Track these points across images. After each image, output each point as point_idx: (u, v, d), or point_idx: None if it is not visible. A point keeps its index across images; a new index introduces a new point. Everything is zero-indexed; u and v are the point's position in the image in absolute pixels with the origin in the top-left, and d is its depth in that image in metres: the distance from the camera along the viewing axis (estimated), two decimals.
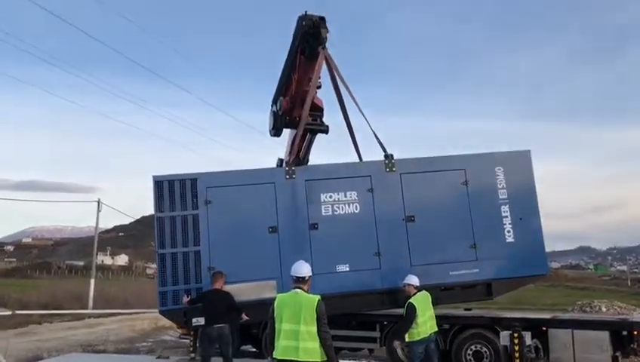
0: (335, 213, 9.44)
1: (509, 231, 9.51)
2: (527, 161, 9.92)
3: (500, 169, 9.72)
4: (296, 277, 5.43)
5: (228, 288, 8.65)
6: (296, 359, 5.13)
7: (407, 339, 8.70)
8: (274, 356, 5.27)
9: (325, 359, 5.24)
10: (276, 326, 5.30)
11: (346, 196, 9.50)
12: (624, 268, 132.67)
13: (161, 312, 9.44)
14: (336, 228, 9.40)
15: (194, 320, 8.54)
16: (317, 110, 10.94)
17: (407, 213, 9.45)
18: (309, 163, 11.67)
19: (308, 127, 10.98)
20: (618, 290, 47.58)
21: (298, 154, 11.57)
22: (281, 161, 11.65)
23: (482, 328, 10.65)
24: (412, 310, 8.40)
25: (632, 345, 9.98)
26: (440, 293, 9.46)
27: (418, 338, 8.50)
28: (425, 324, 8.55)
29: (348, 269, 9.25)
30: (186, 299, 8.84)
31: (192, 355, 10.97)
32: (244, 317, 8.71)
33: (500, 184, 9.67)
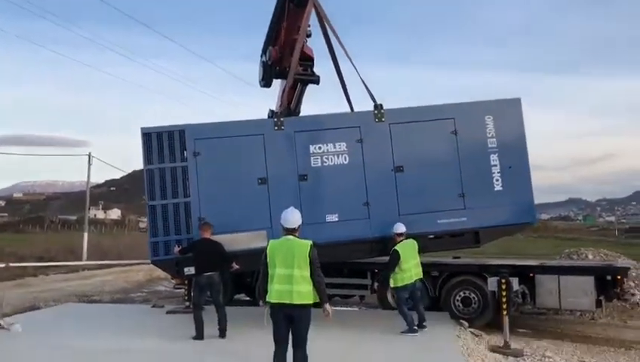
0: (324, 163, 9.45)
1: (497, 180, 9.53)
2: (518, 110, 9.86)
3: (489, 117, 9.67)
4: (286, 227, 5.48)
5: (219, 238, 8.72)
6: (290, 302, 5.24)
7: (391, 285, 9.00)
8: (268, 299, 5.38)
9: (317, 301, 5.37)
10: (269, 271, 5.40)
11: (335, 147, 9.49)
12: (612, 218, 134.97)
13: (153, 262, 9.56)
14: (325, 179, 9.44)
15: (186, 269, 8.66)
16: (307, 60, 10.79)
17: (395, 163, 9.47)
18: (301, 114, 11.62)
19: (298, 78, 10.86)
20: (606, 240, 48.51)
21: (289, 106, 11.48)
22: (272, 112, 11.56)
23: (471, 275, 10.92)
24: (395, 256, 8.76)
25: (615, 290, 10.30)
26: (428, 241, 9.62)
27: (402, 284, 8.83)
28: (409, 271, 8.81)
29: (337, 219, 9.32)
30: (177, 249, 8.95)
31: (187, 304, 11.18)
32: (235, 266, 8.83)
33: (490, 133, 9.63)
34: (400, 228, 8.96)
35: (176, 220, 9.28)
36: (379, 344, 8.08)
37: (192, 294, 11.63)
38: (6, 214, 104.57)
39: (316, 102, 11.91)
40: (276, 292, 5.28)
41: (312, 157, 9.44)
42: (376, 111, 9.66)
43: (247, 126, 9.73)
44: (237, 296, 13.18)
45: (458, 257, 11.99)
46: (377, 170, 9.49)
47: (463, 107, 9.92)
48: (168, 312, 11.14)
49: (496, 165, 9.55)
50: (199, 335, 8.30)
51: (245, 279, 12.63)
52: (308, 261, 5.28)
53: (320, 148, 9.47)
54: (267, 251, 5.45)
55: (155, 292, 16.38)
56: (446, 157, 9.58)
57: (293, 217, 5.52)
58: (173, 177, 9.35)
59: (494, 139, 9.62)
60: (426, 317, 8.99)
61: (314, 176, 9.41)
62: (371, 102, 9.80)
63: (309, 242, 5.38)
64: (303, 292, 5.25)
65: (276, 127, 9.53)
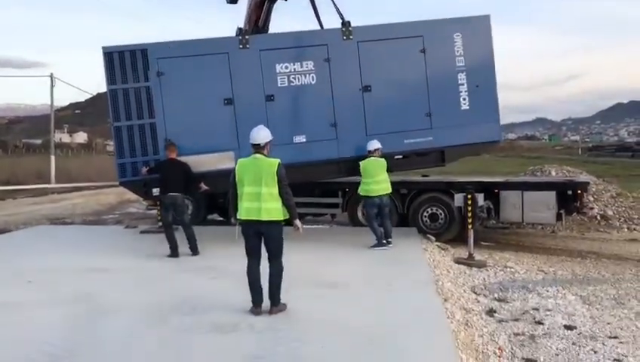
0: (291, 84, 9.31)
1: (464, 99, 9.55)
2: (486, 27, 9.72)
3: (458, 35, 9.53)
4: (254, 143, 5.49)
5: (186, 160, 8.73)
6: (258, 219, 5.36)
7: (361, 194, 9.25)
8: (238, 217, 5.50)
9: (287, 218, 5.50)
10: (238, 189, 5.48)
11: (302, 66, 9.32)
12: (577, 138, 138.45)
13: (121, 183, 9.59)
14: (292, 100, 9.35)
15: (154, 190, 8.75)
16: None
17: (363, 83, 9.38)
18: (269, 32, 11.31)
19: None
20: (570, 159, 49.88)
21: (257, 23, 11.15)
22: (240, 30, 11.23)
23: (438, 192, 11.23)
24: (361, 169, 9.08)
25: (575, 204, 10.76)
26: (396, 161, 9.76)
27: (369, 195, 9.13)
28: (376, 184, 9.05)
29: (305, 140, 9.34)
30: (144, 170, 8.98)
31: (160, 224, 11.28)
32: (203, 186, 8.91)
33: (458, 51, 9.53)
34: (373, 145, 9.05)
35: (142, 141, 9.24)
36: (350, 257, 8.39)
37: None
38: None
39: (286, 19, 11.56)
40: (245, 209, 5.39)
41: (278, 77, 9.29)
42: (344, 29, 9.44)
43: (212, 44, 9.47)
44: (210, 217, 13.34)
45: (427, 175, 12.27)
46: (345, 89, 9.40)
47: (432, 24, 9.77)
48: (142, 232, 11.26)
49: (463, 84, 9.53)
50: (174, 253, 8.48)
51: (218, 200, 12.74)
52: (276, 179, 5.34)
53: (287, 67, 9.31)
54: (236, 170, 5.50)
55: (128, 214, 16.45)
56: (414, 76, 9.53)
57: (258, 134, 5.52)
58: (138, 98, 9.20)
59: (462, 58, 9.54)
60: (392, 234, 9.28)
61: (281, 96, 9.30)
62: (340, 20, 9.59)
63: (277, 160, 5.42)
64: (271, 209, 5.35)
65: (241, 46, 9.28)
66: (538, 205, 10.58)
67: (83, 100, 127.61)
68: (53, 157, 29.89)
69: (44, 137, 66.86)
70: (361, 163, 9.07)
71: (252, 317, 5.35)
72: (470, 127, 9.53)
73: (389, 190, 9.31)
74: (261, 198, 5.35)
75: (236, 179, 5.49)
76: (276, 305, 5.46)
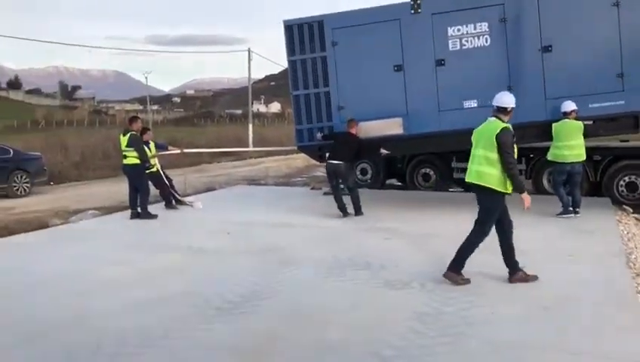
0: (463, 47, 8.96)
1: None
2: None
3: None
4: (495, 106, 5.37)
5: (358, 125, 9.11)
6: (469, 181, 5.36)
7: (550, 158, 8.71)
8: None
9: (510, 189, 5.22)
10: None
11: (475, 28, 8.89)
12: None
13: (299, 147, 10.29)
14: (464, 63, 8.98)
15: (327, 154, 9.24)
16: None
17: (543, 43, 8.62)
18: None
19: None
20: None
21: None
22: None
23: (637, 158, 10.10)
24: (553, 131, 8.53)
25: None
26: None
27: (558, 160, 8.59)
28: (570, 149, 8.44)
29: (476, 105, 8.94)
30: (319, 135, 9.55)
31: (341, 186, 11.90)
32: (384, 151, 9.21)
33: None
34: (568, 105, 8.38)
35: (317, 109, 9.71)
36: (532, 226, 8.01)
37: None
38: (182, 110, 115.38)
39: None
40: (467, 171, 5.44)
41: (450, 41, 8.99)
42: None
43: (384, 12, 9.43)
44: (389, 181, 13.67)
45: (627, 141, 11.05)
46: (522, 51, 8.78)
47: None
48: (325, 193, 11.98)
49: None
50: (343, 213, 9.07)
51: (397, 165, 13.01)
52: (495, 143, 5.11)
53: (459, 30, 8.95)
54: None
55: (314, 177, 17.52)
56: (604, 33, 8.44)
57: (501, 98, 5.35)
58: (314, 67, 9.65)
59: None
60: (580, 204, 8.63)
61: (452, 60, 9.00)
62: None
63: (502, 125, 5.18)
64: (483, 172, 5.19)
65: (413, 11, 9.18)
66: None
67: (277, 73, 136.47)
68: (250, 126, 32.84)
69: (244, 107, 73.37)
70: (553, 125, 8.49)
71: (423, 277, 5.51)
72: None
73: (583, 157, 8.56)
74: (475, 160, 5.30)
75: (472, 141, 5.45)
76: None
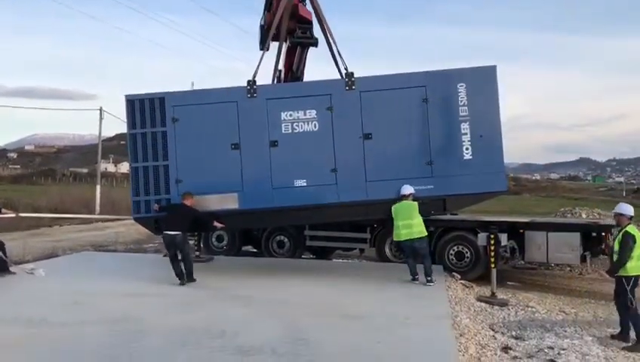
0: (295, 131, 9.77)
1: (467, 149, 9.60)
2: (492, 78, 9.80)
3: (462, 85, 9.66)
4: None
5: (194, 199, 9.43)
6: None
7: (394, 238, 9.64)
8: None
9: None
10: None
11: (305, 114, 9.77)
12: (622, 179, 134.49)
13: (135, 219, 10.26)
14: (295, 146, 9.78)
15: (164, 225, 9.42)
16: (304, 22, 10.90)
17: (364, 131, 9.68)
18: (304, 78, 11.91)
19: (296, 40, 11.06)
20: (613, 200, 48.51)
21: (291, 69, 11.78)
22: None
23: (464, 231, 11.51)
24: (393, 211, 9.44)
25: (600, 246, 10.84)
26: None
27: (399, 239, 9.52)
28: (405, 228, 9.36)
29: (305, 184, 9.72)
30: (156, 207, 9.73)
31: (197, 253, 11.89)
32: (218, 224, 9.68)
33: (462, 101, 9.63)
34: (406, 189, 9.37)
35: (155, 181, 9.89)
36: (372, 291, 8.75)
37: (201, 245, 12.45)
38: (19, 166, 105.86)
39: (321, 64, 12.11)
40: None
41: (283, 124, 9.76)
42: (347, 80, 9.86)
43: (222, 93, 10.11)
44: (244, 248, 13.91)
45: (456, 214, 12.52)
46: (346, 137, 9.72)
47: (435, 75, 9.90)
48: (165, 256, 11.81)
49: (466, 134, 9.58)
50: (180, 280, 9.11)
51: (252, 232, 13.36)
52: None
53: (291, 115, 9.77)
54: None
55: None
56: (416, 125, 9.72)
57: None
58: (154, 141, 9.89)
59: (466, 108, 9.61)
60: (431, 273, 9.37)
61: (284, 142, 9.74)
62: (369, 68, 10.08)
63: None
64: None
65: (249, 95, 9.85)
66: (562, 246, 10.71)
67: None
68: (98, 187, 31.17)
69: (90, 166, 69.46)
70: (392, 207, 9.40)
71: (274, 342, 5.79)
72: (473, 177, 9.53)
73: (412, 236, 9.38)
74: None
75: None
76: None
